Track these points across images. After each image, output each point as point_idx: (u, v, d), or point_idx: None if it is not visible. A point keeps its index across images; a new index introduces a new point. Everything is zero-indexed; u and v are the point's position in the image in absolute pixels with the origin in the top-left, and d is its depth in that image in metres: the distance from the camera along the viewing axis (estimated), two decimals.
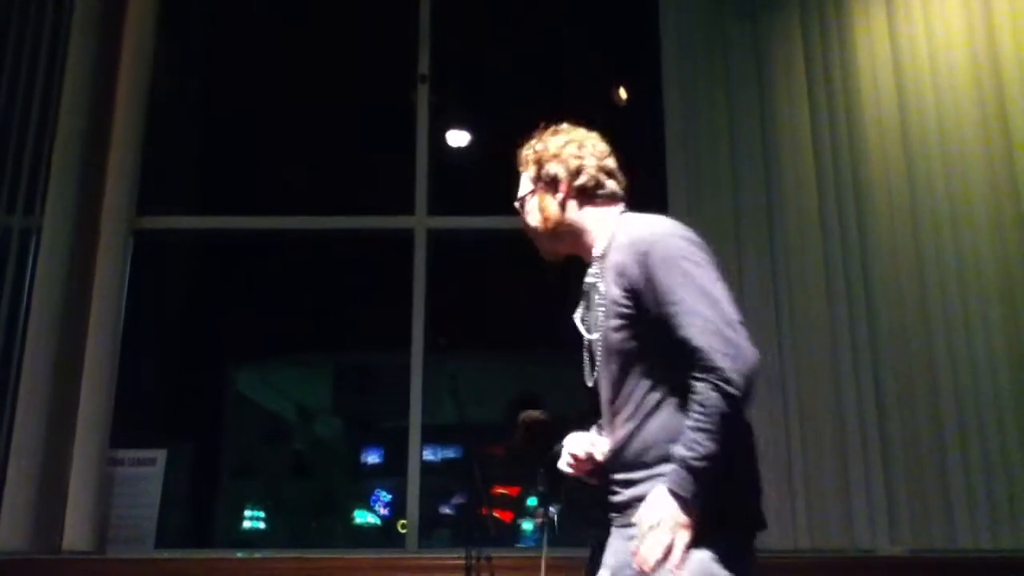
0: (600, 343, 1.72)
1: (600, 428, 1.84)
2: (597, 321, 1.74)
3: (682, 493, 1.54)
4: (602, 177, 1.82)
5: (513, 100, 4.64)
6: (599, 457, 1.76)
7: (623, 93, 4.86)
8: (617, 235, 1.73)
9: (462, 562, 3.30)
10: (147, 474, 3.59)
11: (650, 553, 1.54)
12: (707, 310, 1.57)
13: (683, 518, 1.54)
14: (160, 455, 3.64)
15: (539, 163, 1.86)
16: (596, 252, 1.79)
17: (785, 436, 3.44)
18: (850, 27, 3.84)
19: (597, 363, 1.75)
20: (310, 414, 5.70)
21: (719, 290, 1.60)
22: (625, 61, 4.68)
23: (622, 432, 1.70)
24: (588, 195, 1.81)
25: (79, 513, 3.41)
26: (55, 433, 3.47)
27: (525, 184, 1.89)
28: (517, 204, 1.91)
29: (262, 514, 5.49)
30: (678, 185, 3.75)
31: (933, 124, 3.72)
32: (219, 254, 5.02)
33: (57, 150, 3.76)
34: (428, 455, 4.10)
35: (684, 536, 1.55)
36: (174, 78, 4.35)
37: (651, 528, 1.54)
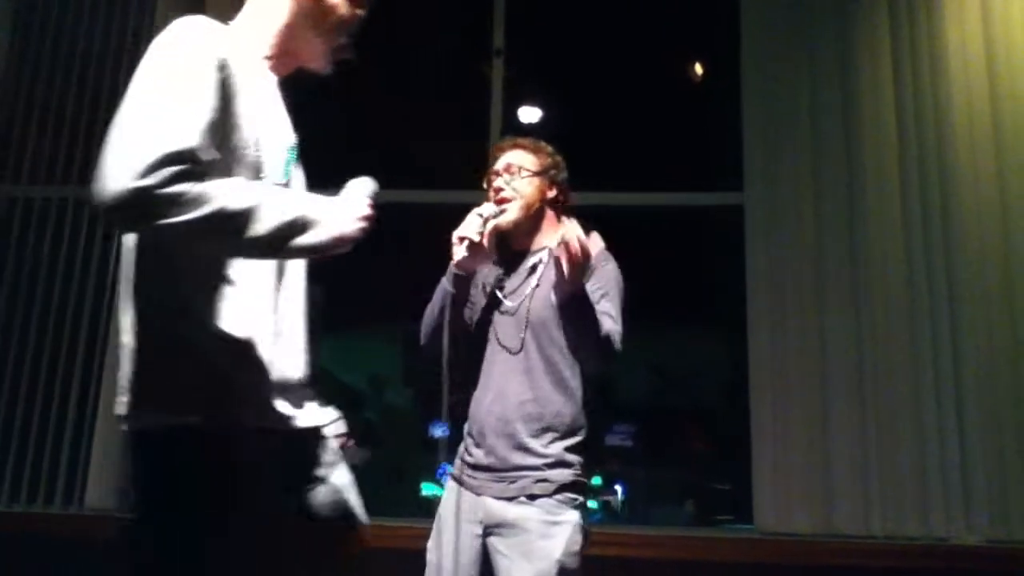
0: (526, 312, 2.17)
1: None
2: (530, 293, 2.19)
3: None
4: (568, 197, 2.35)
5: (586, 76, 4.60)
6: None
7: (699, 70, 4.78)
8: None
9: None
10: None
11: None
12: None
13: None
14: None
15: (555, 164, 2.30)
16: (535, 247, 2.27)
17: (861, 420, 3.38)
18: (939, 5, 3.67)
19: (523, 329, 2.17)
20: (381, 384, 5.80)
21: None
22: (702, 37, 4.59)
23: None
24: (559, 206, 2.31)
25: None
26: None
27: (529, 162, 2.28)
28: (514, 171, 2.26)
29: None
30: (754, 166, 3.68)
31: None
32: None
33: None
34: None
35: None
36: None
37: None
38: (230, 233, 1.24)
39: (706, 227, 4.55)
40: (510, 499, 2.09)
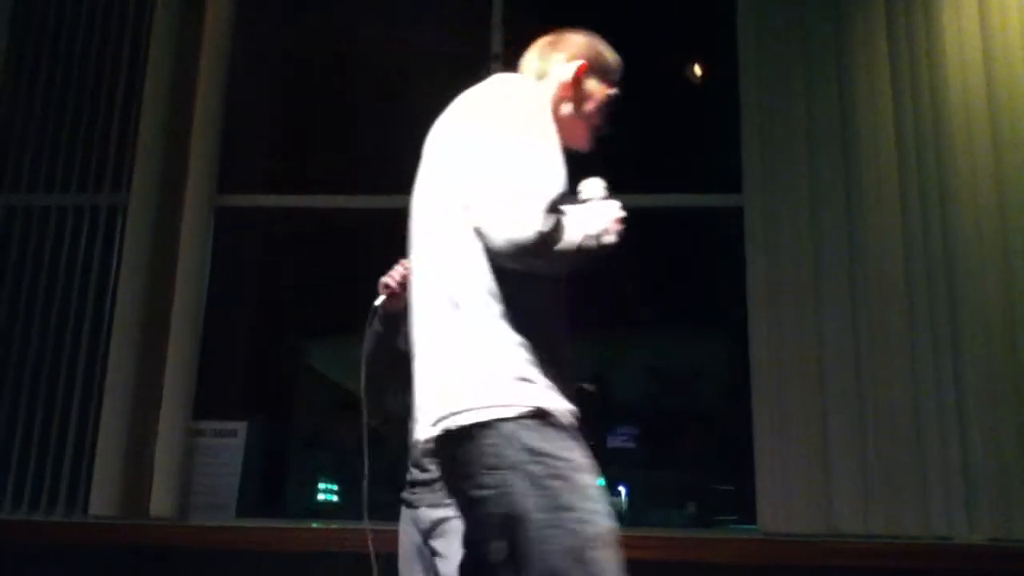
0: None
1: None
2: None
3: None
4: None
5: None
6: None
7: (698, 70, 4.79)
8: None
9: None
10: (228, 445, 3.71)
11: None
12: None
13: None
14: (241, 427, 3.75)
15: None
16: None
17: (861, 419, 3.39)
18: (936, 4, 3.67)
19: None
20: (381, 389, 5.81)
21: None
22: (700, 37, 4.60)
23: None
24: None
25: (164, 482, 3.55)
26: (141, 405, 3.61)
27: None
28: None
29: (335, 487, 5.63)
30: (753, 164, 3.69)
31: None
32: (296, 231, 5.12)
33: (142, 128, 3.89)
34: None
35: None
36: (254, 56, 4.44)
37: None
38: (583, 256, 1.50)
39: (705, 229, 4.55)
40: (438, 504, 2.22)
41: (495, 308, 1.54)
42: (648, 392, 5.61)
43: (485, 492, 1.47)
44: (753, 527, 3.44)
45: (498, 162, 1.51)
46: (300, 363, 6.03)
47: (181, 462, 3.58)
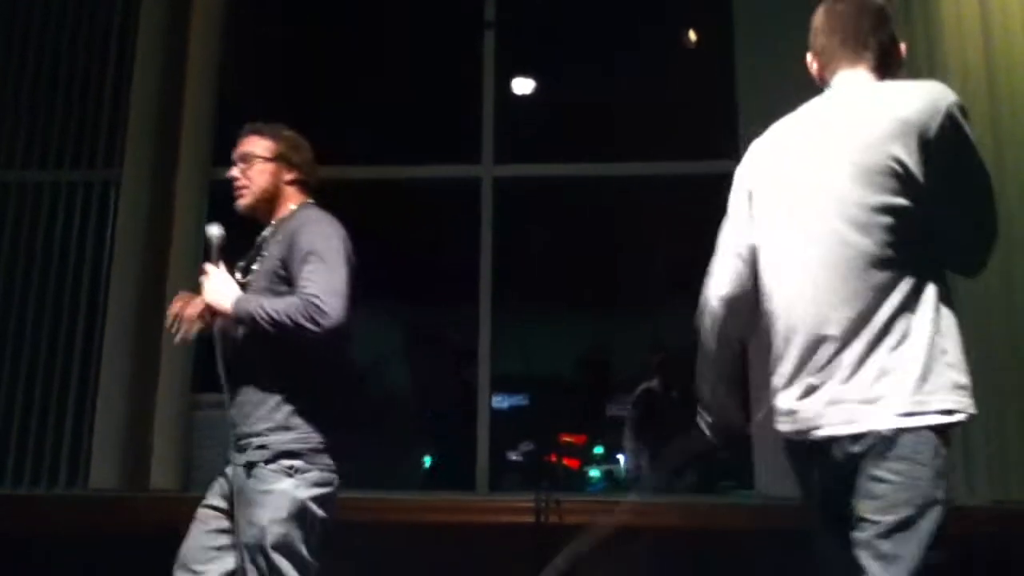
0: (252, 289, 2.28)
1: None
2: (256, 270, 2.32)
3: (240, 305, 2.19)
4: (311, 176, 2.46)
5: (580, 46, 4.57)
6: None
7: (693, 36, 4.74)
8: (298, 215, 2.33)
9: (531, 505, 3.37)
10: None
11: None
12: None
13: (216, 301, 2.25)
14: None
15: (292, 148, 2.42)
16: (275, 220, 2.38)
17: None
18: None
19: None
20: (384, 363, 5.82)
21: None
22: (695, 3, 4.55)
23: None
24: (301, 185, 2.42)
25: (165, 454, 3.57)
26: (140, 379, 3.61)
27: (262, 149, 2.38)
28: (247, 159, 2.38)
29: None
30: (750, 132, 3.64)
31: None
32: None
33: (134, 102, 3.86)
34: (497, 402, 4.16)
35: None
36: (247, 31, 4.40)
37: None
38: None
39: (699, 196, 4.53)
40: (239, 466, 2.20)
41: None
42: (648, 362, 5.63)
43: None
44: (750, 491, 3.47)
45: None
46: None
47: (181, 435, 3.60)
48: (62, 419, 3.71)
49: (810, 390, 1.72)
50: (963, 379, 1.67)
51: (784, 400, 1.80)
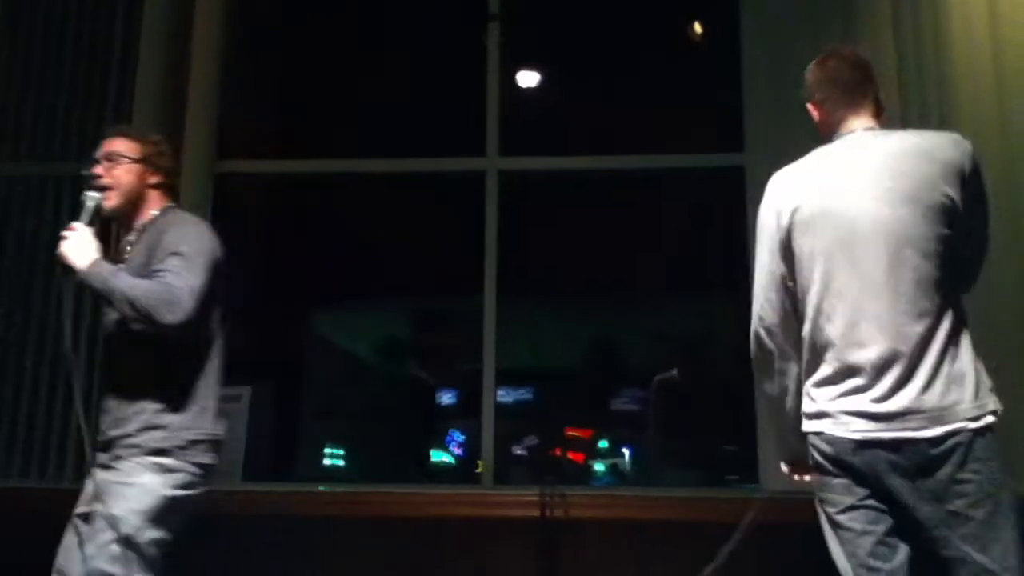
0: None
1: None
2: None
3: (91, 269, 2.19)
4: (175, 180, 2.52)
5: (584, 38, 4.56)
6: None
7: (699, 29, 4.73)
8: (163, 217, 2.38)
9: (537, 499, 3.37)
10: (232, 410, 3.72)
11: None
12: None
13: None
14: (245, 392, 3.77)
15: (157, 152, 2.45)
16: (138, 225, 2.40)
17: None
18: None
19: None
20: (387, 356, 5.83)
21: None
22: None
23: None
24: (164, 188, 2.45)
25: None
26: None
27: (127, 150, 2.40)
28: (113, 158, 2.39)
29: (341, 452, 5.68)
30: (755, 126, 3.65)
31: None
32: (299, 197, 5.11)
33: (138, 93, 3.86)
34: (501, 396, 4.16)
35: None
36: (250, 23, 4.40)
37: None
38: None
39: (707, 189, 4.53)
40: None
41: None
42: (654, 356, 5.63)
43: None
44: (754, 485, 3.47)
45: None
46: (304, 329, 6.06)
47: None
48: (66, 410, 3.71)
49: (885, 397, 1.92)
50: (991, 381, 1.95)
51: (852, 404, 1.95)
